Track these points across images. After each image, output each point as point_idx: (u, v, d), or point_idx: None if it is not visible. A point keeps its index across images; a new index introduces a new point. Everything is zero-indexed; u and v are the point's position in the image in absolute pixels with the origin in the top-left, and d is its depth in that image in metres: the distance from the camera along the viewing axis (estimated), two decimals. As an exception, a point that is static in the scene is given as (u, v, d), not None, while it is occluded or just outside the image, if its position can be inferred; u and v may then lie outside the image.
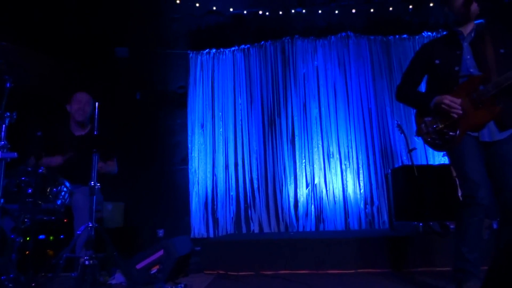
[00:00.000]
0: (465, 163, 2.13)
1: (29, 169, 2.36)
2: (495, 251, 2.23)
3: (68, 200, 2.67)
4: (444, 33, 2.45)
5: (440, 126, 2.22)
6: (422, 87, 2.53)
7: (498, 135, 2.15)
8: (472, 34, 2.26)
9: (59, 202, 2.55)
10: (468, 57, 2.21)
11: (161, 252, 2.86)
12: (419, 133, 2.36)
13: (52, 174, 2.53)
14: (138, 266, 2.84)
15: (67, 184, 2.65)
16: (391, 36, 5.71)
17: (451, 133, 2.17)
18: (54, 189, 2.53)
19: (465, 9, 2.23)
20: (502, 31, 2.25)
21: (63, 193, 2.59)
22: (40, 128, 3.06)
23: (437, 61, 2.30)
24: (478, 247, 2.12)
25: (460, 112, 2.13)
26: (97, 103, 2.76)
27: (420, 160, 5.09)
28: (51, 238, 3.09)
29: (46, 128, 3.21)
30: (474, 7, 2.22)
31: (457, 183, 2.45)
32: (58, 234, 3.14)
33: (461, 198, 2.16)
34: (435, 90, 2.29)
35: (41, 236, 3.07)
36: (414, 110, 2.47)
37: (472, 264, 2.09)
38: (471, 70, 2.19)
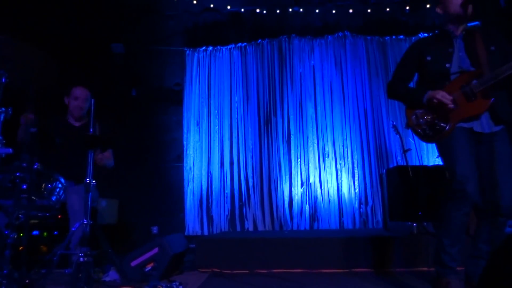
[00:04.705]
0: (455, 157, 2.16)
1: (24, 165, 2.34)
2: (473, 250, 2.26)
3: (63, 196, 2.66)
4: (436, 31, 2.50)
5: (432, 117, 2.26)
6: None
7: (493, 127, 2.21)
8: (463, 32, 2.32)
9: (53, 198, 2.53)
10: (461, 54, 2.27)
11: (156, 250, 2.86)
12: (409, 125, 2.39)
13: (47, 170, 2.51)
14: (133, 264, 2.85)
15: (62, 180, 2.63)
16: (388, 37, 5.73)
17: (442, 124, 2.22)
18: (49, 185, 2.51)
19: (462, 11, 2.26)
20: (490, 29, 2.30)
21: (58, 189, 2.57)
22: (35, 123, 3.05)
23: (428, 58, 2.34)
24: (460, 241, 2.17)
25: (452, 106, 2.17)
26: (92, 99, 2.75)
27: (414, 161, 5.12)
28: (45, 234, 3.08)
29: (43, 122, 3.21)
30: (470, 9, 2.25)
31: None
32: (52, 230, 3.13)
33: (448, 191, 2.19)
34: (427, 87, 2.32)
35: (35, 232, 3.05)
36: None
37: (452, 258, 2.14)
38: (464, 66, 2.25)
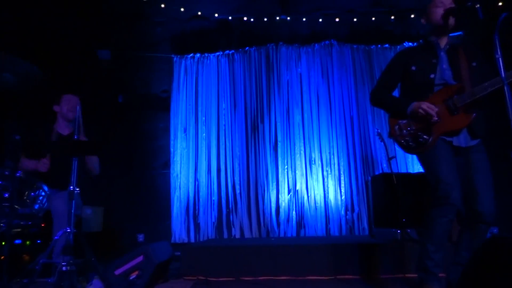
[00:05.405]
0: (439, 165, 2.20)
1: (6, 173, 2.31)
2: (456, 257, 2.31)
3: (46, 204, 2.63)
4: (421, 41, 2.55)
5: (415, 129, 2.30)
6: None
7: (470, 141, 2.28)
8: (447, 46, 2.39)
9: (36, 206, 2.51)
10: (444, 66, 2.33)
11: (140, 258, 2.83)
12: (392, 135, 2.42)
13: (30, 178, 2.49)
14: (117, 272, 2.81)
15: (46, 188, 2.61)
16: (374, 46, 5.81)
17: (425, 137, 2.26)
18: (32, 193, 2.49)
19: (443, 22, 2.33)
20: (473, 45, 2.36)
21: (41, 197, 2.55)
22: (19, 131, 3.02)
23: (413, 68, 2.39)
24: (444, 247, 2.22)
25: (436, 118, 2.22)
26: (77, 106, 2.74)
27: (400, 168, 5.19)
28: (27, 243, 3.03)
29: (30, 131, 3.18)
30: (451, 20, 2.32)
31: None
32: (34, 239, 3.08)
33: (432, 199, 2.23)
34: (410, 96, 2.37)
35: (17, 241, 3.01)
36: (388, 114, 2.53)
37: (435, 264, 2.19)
38: (447, 79, 2.31)
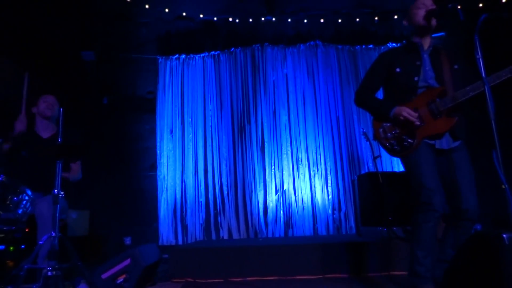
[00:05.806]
0: (421, 171, 2.23)
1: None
2: (440, 254, 2.33)
3: (30, 209, 2.58)
4: (404, 42, 2.57)
5: (399, 132, 2.32)
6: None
7: (451, 143, 2.30)
8: (430, 48, 2.40)
9: (20, 211, 2.46)
10: (427, 68, 2.34)
11: (127, 261, 2.81)
12: (376, 137, 2.43)
13: (13, 182, 2.44)
14: (104, 276, 2.78)
15: (29, 192, 2.56)
16: (358, 46, 5.87)
17: (409, 140, 2.28)
18: (15, 198, 2.44)
19: (425, 23, 2.36)
20: (455, 48, 2.39)
21: (24, 202, 2.50)
22: (1, 135, 2.96)
23: (398, 70, 2.39)
24: (433, 251, 2.24)
25: (418, 123, 2.25)
26: (61, 109, 2.70)
27: (385, 167, 5.24)
28: (11, 248, 2.98)
29: (9, 134, 3.11)
30: (433, 22, 2.35)
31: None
32: (18, 244, 3.03)
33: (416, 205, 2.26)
34: (394, 98, 2.39)
35: (0, 247, 2.95)
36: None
37: (426, 269, 2.21)
38: (430, 81, 2.32)
